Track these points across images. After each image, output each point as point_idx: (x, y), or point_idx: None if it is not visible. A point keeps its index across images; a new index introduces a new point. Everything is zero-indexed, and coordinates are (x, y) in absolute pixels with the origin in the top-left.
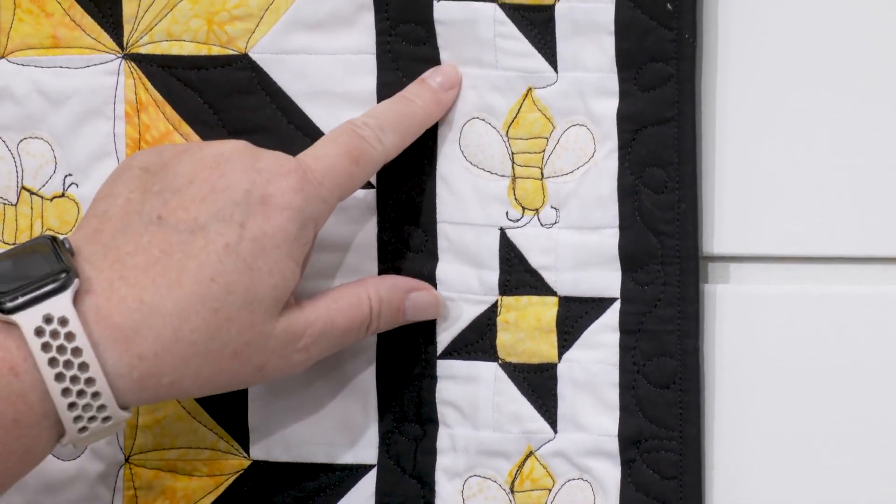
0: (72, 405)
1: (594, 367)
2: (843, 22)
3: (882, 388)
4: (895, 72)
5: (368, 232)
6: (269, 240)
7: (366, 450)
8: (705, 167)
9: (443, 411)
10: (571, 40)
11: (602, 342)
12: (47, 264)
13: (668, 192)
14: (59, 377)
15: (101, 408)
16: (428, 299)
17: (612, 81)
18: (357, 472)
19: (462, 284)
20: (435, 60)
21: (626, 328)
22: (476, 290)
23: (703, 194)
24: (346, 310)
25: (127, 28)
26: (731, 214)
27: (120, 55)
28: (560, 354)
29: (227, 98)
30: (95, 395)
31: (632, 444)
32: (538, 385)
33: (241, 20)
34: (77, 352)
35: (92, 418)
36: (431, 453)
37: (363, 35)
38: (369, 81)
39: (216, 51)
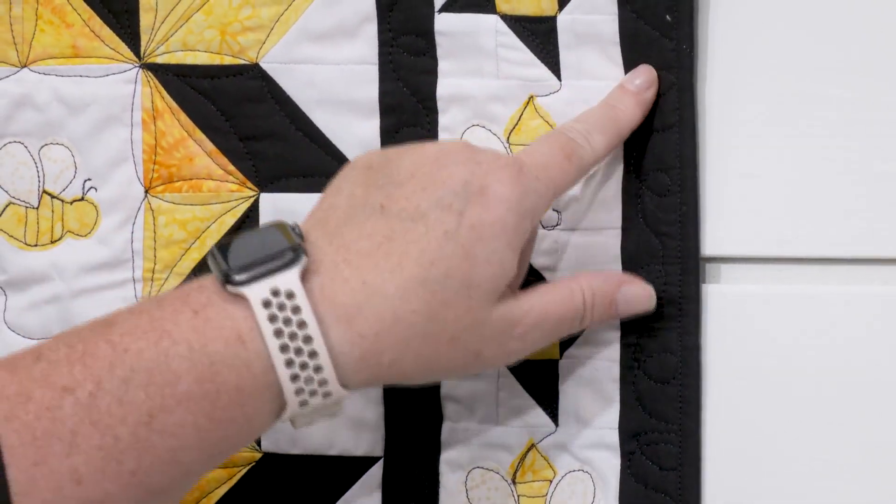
0: (294, 377)
1: (595, 362)
2: (833, 31)
3: (869, 382)
4: (883, 81)
5: None
6: (487, 228)
7: (372, 442)
8: (702, 172)
9: (446, 406)
10: (575, 50)
11: (603, 339)
12: (278, 243)
13: (670, 195)
14: (283, 348)
15: (323, 382)
16: (639, 292)
17: None
18: (364, 463)
19: None
20: (433, 71)
21: (627, 326)
22: None
23: (700, 198)
24: (560, 301)
25: (144, 38)
26: (724, 217)
27: (137, 64)
28: (562, 351)
29: (238, 106)
30: (318, 368)
31: (631, 437)
32: (540, 380)
33: (252, 31)
34: (302, 325)
35: (313, 392)
36: (436, 446)
37: (366, 46)
38: (371, 90)
39: (229, 60)
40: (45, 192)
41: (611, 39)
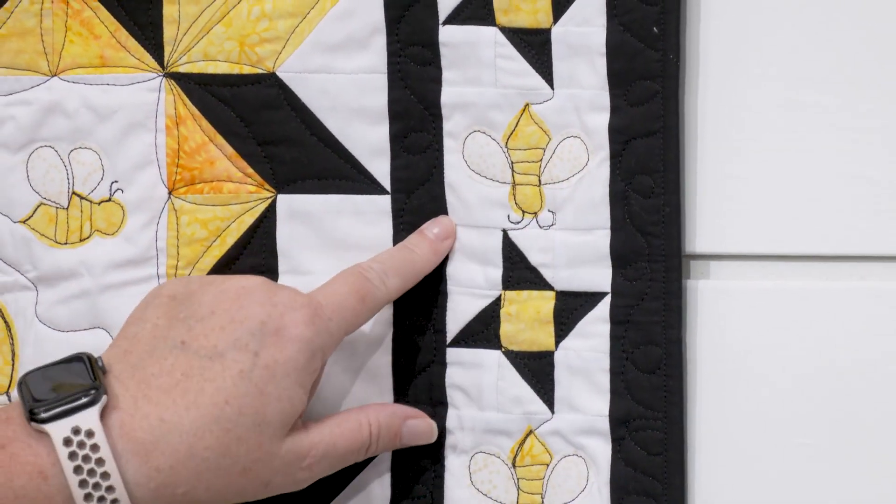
0: None
1: (587, 354)
2: (813, 44)
3: (848, 373)
4: (859, 89)
5: (384, 234)
6: (279, 368)
7: None
8: (687, 174)
9: (451, 394)
10: (566, 60)
11: (594, 332)
12: (81, 379)
13: (654, 197)
14: (82, 483)
15: None
16: (423, 427)
17: (604, 97)
18: None
19: (469, 280)
20: (438, 80)
21: (616, 319)
22: (481, 286)
23: (685, 199)
24: (348, 434)
25: (167, 49)
26: (710, 217)
27: (161, 74)
28: (557, 343)
29: (256, 112)
30: (115, 501)
31: (621, 424)
32: (537, 371)
33: (269, 42)
34: (100, 462)
35: None
36: (441, 432)
37: (376, 56)
38: (381, 98)
39: (247, 70)
40: (74, 193)
41: (597, 50)
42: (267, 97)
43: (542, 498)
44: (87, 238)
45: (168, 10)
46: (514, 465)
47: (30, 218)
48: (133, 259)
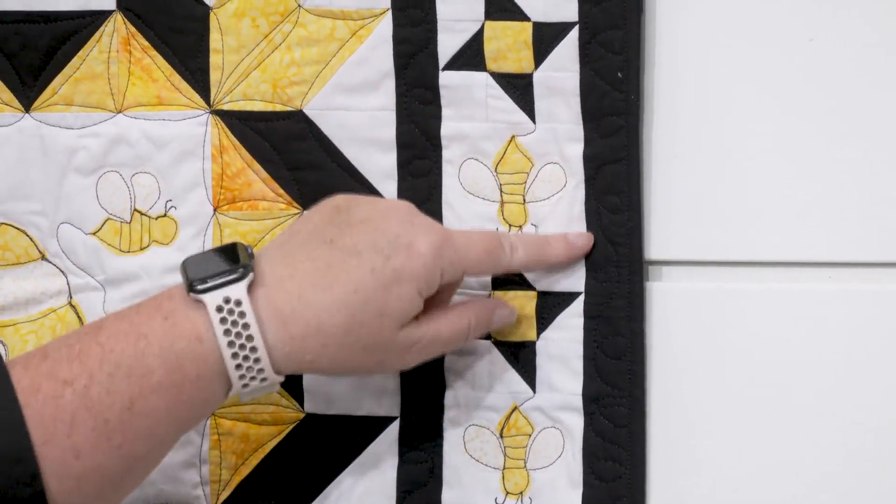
0: (238, 366)
1: (564, 343)
2: (745, 81)
3: (771, 357)
4: (792, 116)
5: None
6: (405, 273)
7: (391, 405)
8: (646, 194)
9: (449, 377)
10: (546, 100)
11: (570, 325)
12: (231, 261)
13: (620, 213)
14: (230, 344)
15: (261, 371)
16: (506, 312)
17: (579, 131)
18: (384, 422)
19: (464, 282)
20: (438, 116)
21: (588, 315)
22: (474, 287)
23: (645, 214)
24: (452, 324)
25: (213, 91)
26: (665, 229)
27: (208, 111)
28: (538, 334)
29: (286, 143)
30: (257, 360)
31: (592, 401)
32: (521, 357)
33: (297, 85)
34: (246, 326)
35: (253, 378)
36: (440, 408)
37: (386, 97)
38: (390, 131)
39: (279, 107)
40: (135, 210)
41: (572, 91)
42: (295, 130)
43: (525, 463)
44: (147, 247)
45: (214, 59)
46: (501, 436)
47: (99, 230)
48: None
